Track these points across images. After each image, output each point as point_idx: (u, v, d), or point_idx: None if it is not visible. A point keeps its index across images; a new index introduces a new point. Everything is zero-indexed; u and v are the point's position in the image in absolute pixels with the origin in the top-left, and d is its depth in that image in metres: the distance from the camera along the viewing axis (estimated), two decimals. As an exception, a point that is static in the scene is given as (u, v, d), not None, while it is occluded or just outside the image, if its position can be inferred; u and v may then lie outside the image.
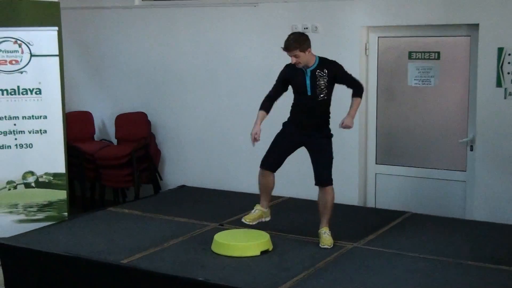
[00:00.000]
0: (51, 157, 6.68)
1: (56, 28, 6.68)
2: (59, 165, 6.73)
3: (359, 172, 7.18)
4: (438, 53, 6.76)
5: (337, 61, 7.01)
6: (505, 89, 6.33)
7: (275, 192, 7.12)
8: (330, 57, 7.03)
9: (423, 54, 6.83)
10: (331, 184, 5.53)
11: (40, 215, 6.71)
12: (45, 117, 6.63)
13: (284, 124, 5.66)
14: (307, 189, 7.25)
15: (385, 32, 7.00)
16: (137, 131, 8.18)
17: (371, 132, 7.19)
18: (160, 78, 8.16)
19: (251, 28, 7.50)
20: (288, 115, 5.64)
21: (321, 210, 5.57)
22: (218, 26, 7.73)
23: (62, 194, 6.78)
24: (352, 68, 6.97)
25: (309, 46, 5.40)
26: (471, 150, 6.69)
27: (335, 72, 5.47)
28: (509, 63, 6.29)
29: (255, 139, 5.49)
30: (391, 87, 7.07)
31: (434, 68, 6.78)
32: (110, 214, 6.69)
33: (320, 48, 7.07)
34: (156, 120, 8.25)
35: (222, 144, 7.86)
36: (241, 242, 5.42)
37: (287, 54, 5.39)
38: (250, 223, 5.61)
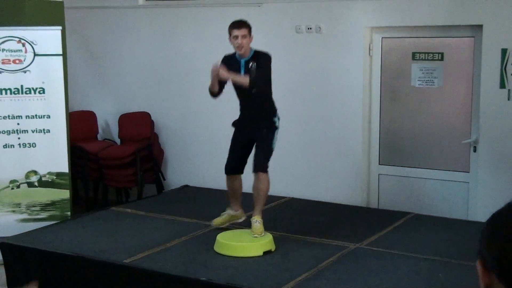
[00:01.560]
0: (54, 156, 6.69)
1: (60, 27, 6.68)
2: (62, 165, 6.73)
3: (362, 173, 7.18)
4: (442, 54, 6.75)
5: (341, 61, 7.06)
6: (509, 90, 6.32)
7: (277, 193, 7.15)
8: (334, 57, 7.09)
9: (426, 55, 6.82)
10: (264, 171, 5.54)
11: (43, 215, 6.72)
12: (49, 116, 6.64)
13: (234, 123, 5.78)
14: (310, 190, 7.27)
15: (389, 32, 7.00)
16: (140, 131, 8.19)
17: (374, 133, 7.18)
18: (164, 78, 8.17)
19: (255, 28, 7.43)
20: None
21: (254, 198, 5.61)
22: (222, 26, 7.70)
23: (65, 194, 6.78)
24: (356, 68, 7.01)
25: (252, 34, 5.52)
26: (475, 151, 6.68)
27: (259, 61, 5.47)
28: (512, 64, 6.29)
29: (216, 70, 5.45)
30: (395, 87, 7.07)
31: (437, 69, 6.78)
32: (113, 213, 6.70)
33: (323, 48, 7.12)
34: (160, 120, 8.25)
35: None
36: (244, 242, 5.42)
37: (235, 33, 5.44)
38: (218, 226, 5.79)
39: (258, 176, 5.55)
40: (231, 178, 5.76)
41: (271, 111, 5.64)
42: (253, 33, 5.59)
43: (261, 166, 5.54)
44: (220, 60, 5.59)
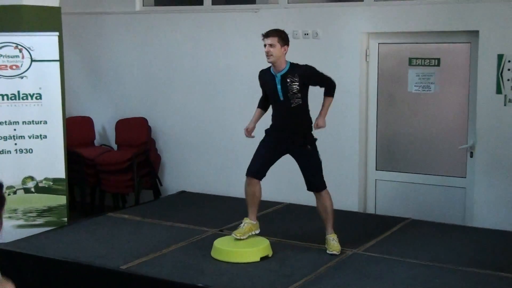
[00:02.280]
0: (51, 162, 6.67)
1: (57, 33, 6.68)
2: (59, 170, 6.72)
3: (359, 178, 7.18)
4: (438, 59, 6.76)
5: (337, 66, 7.07)
6: (505, 95, 6.34)
7: (275, 198, 7.15)
8: (331, 62, 7.09)
9: (423, 60, 6.83)
10: (325, 188, 5.52)
11: (40, 221, 6.70)
12: (45, 122, 6.63)
13: (266, 131, 5.61)
14: (307, 195, 7.26)
15: (386, 38, 7.01)
16: (137, 136, 8.18)
17: (371, 138, 7.19)
18: (161, 84, 8.17)
19: (252, 33, 7.49)
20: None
21: (323, 217, 5.55)
22: (219, 32, 7.74)
23: (62, 200, 6.77)
24: (353, 74, 7.02)
25: (287, 44, 5.40)
26: (471, 156, 6.69)
27: (307, 75, 5.39)
28: (509, 69, 6.30)
29: (248, 134, 5.67)
30: (391, 93, 7.08)
31: (434, 75, 6.79)
32: (110, 219, 6.69)
33: (320, 53, 7.12)
34: (157, 125, 8.25)
35: (222, 150, 7.86)
36: (241, 248, 5.42)
37: (264, 42, 5.37)
38: (241, 238, 5.51)
39: (321, 194, 5.50)
40: (251, 182, 5.51)
41: (309, 125, 5.53)
42: (285, 43, 5.41)
43: (321, 185, 5.51)
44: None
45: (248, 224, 5.58)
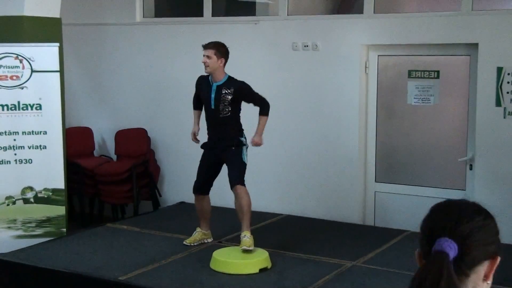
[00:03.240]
0: (50, 172, 6.67)
1: (57, 44, 6.70)
2: (58, 181, 6.72)
3: (359, 190, 7.18)
4: (438, 72, 6.77)
5: (337, 78, 7.09)
6: (505, 108, 6.35)
7: (274, 210, 7.15)
8: (330, 74, 7.12)
9: (422, 72, 6.85)
10: (241, 184, 5.64)
11: (39, 231, 6.69)
12: (45, 132, 6.63)
13: (203, 145, 5.94)
14: (306, 207, 7.26)
15: (385, 50, 7.03)
16: (136, 147, 8.18)
17: (370, 150, 7.19)
18: (161, 95, 8.18)
19: (252, 45, 7.53)
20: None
21: (238, 215, 5.68)
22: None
23: (61, 210, 6.76)
24: (352, 86, 7.03)
25: (224, 57, 5.72)
26: (471, 169, 6.69)
27: (241, 91, 5.71)
28: (508, 82, 6.31)
29: (195, 138, 5.98)
30: (391, 105, 7.09)
31: (433, 87, 6.80)
32: (109, 230, 6.68)
33: (320, 65, 7.14)
34: (156, 136, 8.25)
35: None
36: (240, 260, 5.41)
37: (203, 53, 5.70)
38: (190, 244, 5.91)
39: (236, 191, 5.62)
40: (199, 198, 5.97)
41: (238, 132, 5.80)
42: (216, 56, 5.71)
43: (237, 180, 5.65)
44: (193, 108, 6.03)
45: (199, 232, 6.01)
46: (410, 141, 7.03)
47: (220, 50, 5.71)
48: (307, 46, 7.19)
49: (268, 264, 5.44)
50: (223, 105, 5.68)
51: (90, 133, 8.56)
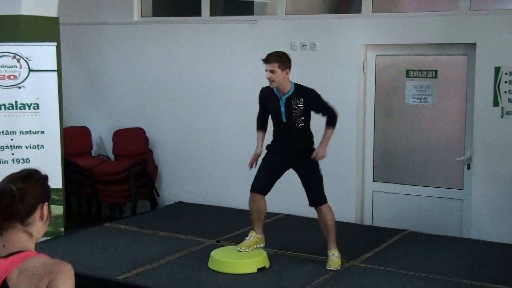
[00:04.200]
0: (48, 172, 6.50)
1: (55, 43, 6.68)
2: (56, 181, 6.69)
3: (356, 190, 7.18)
4: (436, 71, 6.78)
5: (335, 78, 7.09)
6: (502, 108, 6.35)
7: (272, 209, 7.13)
8: (328, 74, 7.11)
9: (420, 72, 6.85)
10: (325, 202, 5.46)
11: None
12: (43, 132, 6.62)
13: (268, 147, 5.60)
14: (304, 206, 7.25)
15: (383, 50, 7.03)
16: (134, 146, 8.18)
17: (368, 150, 7.19)
18: (159, 94, 8.17)
19: (250, 45, 7.52)
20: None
21: (324, 232, 5.50)
22: (217, 43, 7.76)
23: (58, 210, 6.74)
24: (350, 85, 7.04)
25: (288, 67, 5.34)
26: (468, 168, 6.69)
27: (311, 101, 5.38)
28: (506, 82, 6.32)
29: (254, 160, 5.55)
30: (389, 105, 7.09)
31: (431, 87, 6.81)
32: (107, 230, 6.68)
33: (318, 65, 7.14)
34: (154, 136, 8.25)
35: (220, 161, 7.86)
36: (238, 259, 5.41)
37: (265, 68, 5.31)
38: (246, 250, 5.51)
39: (321, 209, 5.43)
40: (255, 198, 5.50)
41: (311, 141, 5.52)
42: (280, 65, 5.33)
43: (321, 199, 5.44)
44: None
45: (254, 237, 5.59)
46: (408, 140, 7.04)
47: (283, 60, 5.30)
48: (305, 45, 7.19)
49: (266, 263, 5.44)
50: (295, 117, 5.34)
51: (88, 133, 8.55)
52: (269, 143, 5.61)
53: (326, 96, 7.11)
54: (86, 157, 8.36)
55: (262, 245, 5.63)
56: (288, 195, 7.21)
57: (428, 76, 6.81)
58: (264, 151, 5.61)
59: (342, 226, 6.69)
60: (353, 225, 6.95)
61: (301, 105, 5.33)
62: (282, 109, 5.35)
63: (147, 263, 5.51)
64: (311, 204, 5.51)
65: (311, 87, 7.17)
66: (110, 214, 8.21)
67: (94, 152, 8.65)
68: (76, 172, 7.89)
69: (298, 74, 7.25)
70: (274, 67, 5.26)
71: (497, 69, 6.33)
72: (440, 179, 6.90)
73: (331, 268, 5.35)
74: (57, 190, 6.72)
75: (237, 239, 5.76)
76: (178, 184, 8.16)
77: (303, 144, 5.45)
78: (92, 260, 5.65)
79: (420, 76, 6.85)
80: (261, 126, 5.66)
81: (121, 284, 5.11)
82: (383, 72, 7.08)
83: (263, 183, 5.51)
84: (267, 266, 5.43)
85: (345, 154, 7.12)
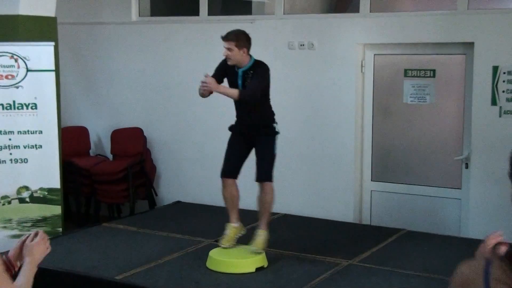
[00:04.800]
0: (46, 172, 6.66)
1: (53, 43, 6.68)
2: (54, 180, 6.70)
3: (354, 189, 7.18)
4: (434, 71, 6.78)
5: (333, 77, 7.09)
6: (500, 107, 6.36)
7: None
8: (326, 73, 7.11)
9: (418, 71, 6.85)
10: (270, 180, 5.48)
11: (35, 231, 6.66)
12: (41, 132, 6.62)
13: (230, 127, 5.69)
14: (302, 206, 7.26)
15: (381, 49, 7.03)
16: (132, 146, 8.17)
17: (366, 149, 7.19)
18: (157, 94, 8.17)
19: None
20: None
21: (260, 210, 5.53)
22: (215, 42, 7.73)
23: (56, 210, 6.75)
24: (348, 85, 7.04)
25: (246, 47, 5.43)
26: (466, 167, 6.70)
27: (256, 72, 5.43)
28: (504, 81, 6.32)
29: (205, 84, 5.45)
30: (387, 104, 7.09)
31: (429, 86, 6.81)
32: (105, 229, 6.67)
33: (316, 64, 7.15)
34: (152, 135, 8.25)
35: (218, 160, 7.83)
36: (236, 259, 5.41)
37: (223, 45, 5.41)
38: (229, 246, 5.55)
39: (263, 186, 5.46)
40: (227, 183, 5.56)
41: (269, 117, 5.58)
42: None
43: (266, 175, 5.45)
44: (211, 73, 5.58)
45: (232, 228, 5.63)
46: (406, 140, 7.04)
47: (241, 39, 5.41)
48: (303, 45, 7.19)
49: (264, 263, 5.44)
50: None
51: (86, 133, 8.55)
52: (232, 123, 5.69)
53: (325, 96, 7.15)
54: (84, 157, 8.36)
55: (243, 232, 5.67)
56: (286, 195, 7.21)
57: (426, 75, 6.82)
58: (223, 129, 5.72)
59: (340, 226, 6.71)
60: (351, 225, 6.95)
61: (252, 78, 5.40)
62: (239, 81, 5.47)
63: (145, 263, 5.51)
64: (256, 179, 5.51)
65: (309, 86, 7.22)
66: (108, 214, 8.20)
67: (92, 152, 8.64)
68: (74, 172, 7.88)
69: (297, 74, 7.29)
70: (231, 45, 5.39)
71: (495, 68, 6.33)
72: (438, 178, 6.90)
73: (254, 249, 5.38)
74: (55, 190, 6.72)
75: (242, 238, 5.74)
76: (176, 184, 8.16)
77: (262, 119, 5.52)
78: (91, 260, 5.64)
79: (418, 75, 6.86)
80: None
81: (120, 284, 5.11)
82: (381, 71, 7.07)
83: (232, 167, 5.58)
84: (266, 265, 5.43)
85: (343, 153, 7.13)
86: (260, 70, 5.46)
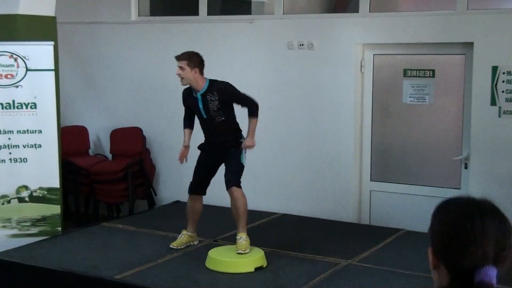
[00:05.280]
0: (45, 171, 6.66)
1: (52, 42, 6.68)
2: (54, 180, 6.70)
3: (354, 189, 7.18)
4: (433, 71, 6.78)
5: (332, 77, 7.09)
6: (499, 107, 6.36)
7: (269, 209, 7.14)
8: (326, 73, 7.11)
9: (418, 71, 6.85)
10: (236, 185, 5.58)
11: (34, 230, 6.68)
12: (40, 131, 6.61)
13: (200, 146, 5.86)
14: (301, 206, 7.26)
15: (381, 49, 7.03)
16: (132, 146, 8.17)
17: (365, 149, 7.19)
18: (156, 93, 8.17)
19: (248, 44, 7.52)
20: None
21: (234, 216, 5.63)
22: (214, 42, 7.75)
23: (56, 209, 6.75)
24: (347, 85, 7.04)
25: (198, 67, 5.56)
26: (466, 168, 6.70)
27: (224, 93, 5.56)
28: (503, 81, 6.32)
29: (182, 158, 5.90)
30: (386, 104, 7.09)
31: (429, 86, 6.81)
32: (104, 229, 6.67)
33: (315, 64, 7.15)
34: (151, 135, 8.24)
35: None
36: (235, 259, 5.41)
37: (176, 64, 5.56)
38: (177, 247, 5.80)
39: (232, 192, 5.57)
40: (194, 198, 5.85)
41: (235, 134, 5.72)
42: (191, 65, 5.59)
43: (233, 181, 5.58)
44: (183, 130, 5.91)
45: (185, 235, 5.91)
46: (406, 140, 7.04)
47: (193, 59, 5.57)
48: (302, 45, 7.19)
49: (263, 263, 5.44)
50: (213, 112, 5.58)
51: (85, 132, 8.55)
52: (201, 142, 5.85)
53: (324, 96, 7.15)
54: (83, 156, 8.36)
55: (195, 242, 5.94)
56: (285, 195, 7.22)
57: (426, 75, 6.82)
58: (193, 148, 5.87)
59: (339, 226, 6.71)
60: (351, 224, 6.95)
61: (216, 100, 5.54)
62: (200, 105, 5.61)
63: (145, 263, 5.51)
64: (226, 186, 5.62)
65: (308, 86, 7.22)
66: (108, 214, 8.20)
67: (91, 151, 8.64)
68: (73, 171, 7.88)
69: (296, 74, 7.29)
70: (183, 64, 5.53)
71: (495, 69, 6.33)
72: (437, 178, 6.90)
73: (239, 251, 5.46)
74: (54, 189, 6.72)
75: (235, 239, 5.76)
76: (175, 184, 8.14)
77: (228, 137, 5.65)
78: (90, 259, 5.64)
79: (417, 75, 6.86)
80: (187, 124, 5.95)
81: (119, 283, 5.11)
82: (381, 71, 7.08)
83: (199, 184, 5.83)
84: (265, 265, 5.44)
85: (342, 154, 7.13)
86: (229, 91, 5.60)
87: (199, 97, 5.60)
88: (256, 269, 5.35)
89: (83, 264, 5.50)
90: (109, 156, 8.46)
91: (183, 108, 7.94)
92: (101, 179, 7.96)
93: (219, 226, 6.66)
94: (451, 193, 6.75)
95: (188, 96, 5.74)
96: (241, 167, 5.67)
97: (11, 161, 6.59)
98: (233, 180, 5.59)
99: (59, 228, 6.78)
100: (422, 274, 5.23)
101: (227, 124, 5.64)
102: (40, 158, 6.63)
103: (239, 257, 5.42)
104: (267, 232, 6.36)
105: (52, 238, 6.42)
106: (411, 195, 6.98)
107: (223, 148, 5.65)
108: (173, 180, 8.17)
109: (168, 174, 8.22)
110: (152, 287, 5.00)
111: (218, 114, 5.58)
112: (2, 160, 6.57)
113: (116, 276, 5.20)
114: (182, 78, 5.58)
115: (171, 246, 5.85)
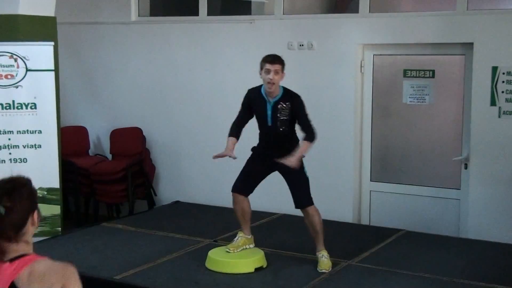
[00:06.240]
0: (45, 172, 6.65)
1: (52, 43, 6.68)
2: (54, 180, 6.70)
3: (354, 189, 7.18)
4: (433, 71, 6.78)
5: (332, 78, 7.09)
6: (499, 107, 6.36)
7: (269, 209, 7.14)
8: (326, 74, 7.11)
9: (418, 72, 6.85)
10: (311, 204, 5.39)
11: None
12: (40, 131, 6.61)
13: (253, 149, 5.54)
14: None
15: (381, 50, 7.04)
16: (132, 146, 8.17)
17: (366, 149, 7.19)
18: (156, 94, 8.17)
19: (248, 44, 7.52)
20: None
21: (312, 233, 5.46)
22: (214, 43, 7.76)
23: (56, 209, 6.74)
24: (347, 85, 7.05)
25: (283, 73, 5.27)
26: (465, 168, 6.70)
27: (296, 109, 5.27)
28: (503, 82, 6.32)
29: (218, 157, 5.45)
30: (386, 104, 7.10)
31: (428, 86, 6.81)
32: (104, 229, 6.67)
33: (315, 65, 7.15)
34: (151, 135, 8.25)
35: (217, 161, 7.83)
36: (235, 259, 5.41)
37: (268, 67, 5.19)
38: (234, 251, 5.48)
39: (307, 211, 5.36)
40: (238, 199, 5.45)
41: (295, 145, 5.38)
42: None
43: (307, 201, 5.37)
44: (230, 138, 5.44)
45: (242, 238, 5.55)
46: (405, 140, 7.04)
47: (284, 64, 5.26)
48: (302, 45, 7.19)
49: (263, 263, 5.44)
50: (280, 121, 5.26)
51: (85, 132, 8.55)
52: (255, 145, 5.54)
53: (324, 96, 7.15)
54: (83, 156, 8.36)
55: (251, 246, 5.59)
56: (284, 194, 7.20)
57: (426, 76, 6.82)
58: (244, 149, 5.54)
59: (339, 226, 6.70)
60: (351, 225, 6.95)
61: (287, 110, 5.25)
62: (269, 112, 5.29)
63: (144, 263, 5.51)
64: (296, 206, 5.43)
65: (308, 87, 7.21)
66: (108, 214, 8.20)
67: (91, 151, 8.64)
68: (73, 171, 7.88)
69: (296, 74, 7.26)
70: (279, 68, 5.20)
71: (494, 69, 6.34)
72: (437, 178, 6.90)
73: (323, 271, 5.30)
74: (54, 189, 6.72)
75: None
76: (175, 184, 8.16)
77: (287, 148, 5.31)
78: (89, 259, 5.64)
79: (417, 76, 6.86)
80: (235, 132, 5.50)
81: (118, 283, 5.11)
82: (381, 72, 7.08)
83: (244, 184, 5.46)
84: (265, 266, 5.43)
85: (342, 154, 7.13)
86: (300, 105, 5.30)
87: (272, 103, 5.27)
88: (256, 269, 5.35)
89: (83, 264, 5.49)
90: (109, 156, 8.46)
91: (183, 108, 8.00)
92: (101, 179, 7.96)
93: (219, 226, 6.66)
94: (451, 194, 6.80)
95: (256, 98, 5.36)
96: (308, 181, 5.39)
97: (11, 161, 6.58)
98: (306, 200, 5.36)
99: (59, 229, 6.78)
100: (422, 275, 5.24)
101: (289, 135, 5.37)
102: (40, 158, 6.63)
103: (239, 258, 5.42)
104: (267, 233, 6.36)
105: (52, 239, 6.42)
106: (411, 195, 6.99)
107: (278, 157, 5.26)
108: (173, 181, 8.18)
109: (168, 174, 8.22)
110: (152, 287, 5.00)
111: (284, 124, 5.30)
112: (2, 160, 6.57)
113: (116, 276, 5.20)
114: (273, 84, 5.17)
115: (226, 250, 5.47)
